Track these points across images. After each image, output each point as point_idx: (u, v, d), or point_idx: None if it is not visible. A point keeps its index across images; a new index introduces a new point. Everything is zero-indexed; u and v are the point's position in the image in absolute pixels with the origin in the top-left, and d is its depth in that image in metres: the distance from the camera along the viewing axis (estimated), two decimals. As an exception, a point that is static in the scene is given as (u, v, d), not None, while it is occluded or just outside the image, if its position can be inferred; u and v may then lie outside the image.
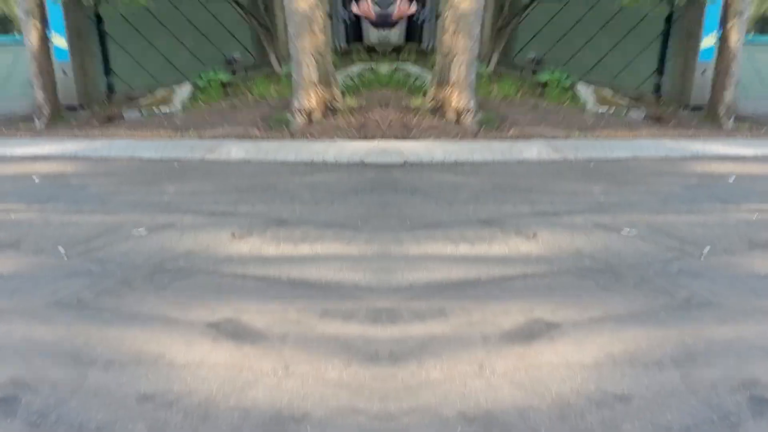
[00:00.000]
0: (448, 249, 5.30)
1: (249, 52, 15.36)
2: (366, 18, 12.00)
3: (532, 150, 8.79)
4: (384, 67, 11.67)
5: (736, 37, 12.28)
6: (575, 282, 4.81)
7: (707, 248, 5.65)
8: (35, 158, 9.35)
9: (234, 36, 15.33)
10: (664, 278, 4.94)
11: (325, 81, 10.41)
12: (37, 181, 7.87)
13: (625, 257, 5.32)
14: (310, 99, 10.21)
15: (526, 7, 13.37)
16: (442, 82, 9.65)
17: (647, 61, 14.81)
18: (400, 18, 11.38)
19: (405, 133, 8.86)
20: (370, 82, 11.66)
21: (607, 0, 12.89)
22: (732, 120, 12.41)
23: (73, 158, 9.33)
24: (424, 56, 13.04)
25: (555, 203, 6.75)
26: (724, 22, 12.45)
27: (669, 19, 13.76)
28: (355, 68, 12.06)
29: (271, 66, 14.27)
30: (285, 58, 12.63)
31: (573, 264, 5.11)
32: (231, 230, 5.79)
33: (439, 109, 9.66)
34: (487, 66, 13.41)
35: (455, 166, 8.03)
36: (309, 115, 10.28)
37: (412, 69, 11.79)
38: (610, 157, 9.16)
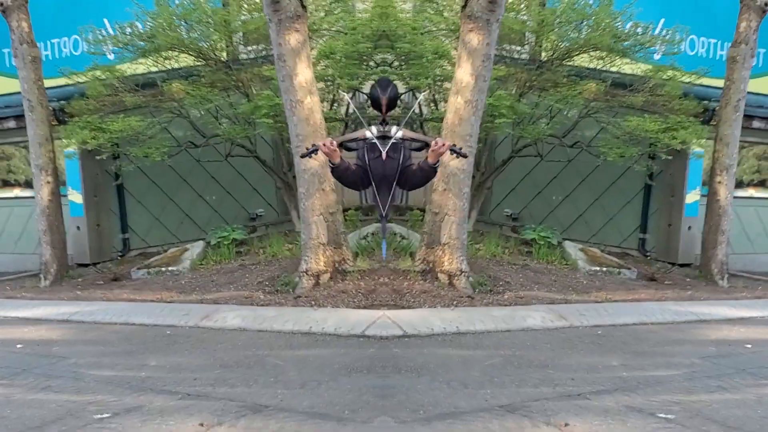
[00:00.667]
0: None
1: (273, 208, 15.17)
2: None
3: (536, 317, 8.36)
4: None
5: (725, 193, 12.36)
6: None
7: None
8: (27, 321, 9.15)
9: (258, 192, 15.10)
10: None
11: (335, 242, 10.03)
12: (18, 347, 7.40)
13: None
14: (318, 261, 9.83)
15: (505, 162, 13.07)
16: (432, 242, 9.20)
17: (629, 216, 14.88)
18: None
19: (397, 299, 8.22)
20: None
21: (585, 154, 12.74)
22: (726, 278, 12.31)
23: (64, 322, 9.09)
24: (400, 212, 12.65)
25: (577, 381, 6.15)
26: (711, 176, 12.53)
27: (651, 175, 13.70)
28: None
29: (293, 223, 13.86)
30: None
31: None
32: (200, 419, 5.06)
33: (429, 272, 9.10)
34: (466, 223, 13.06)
35: (458, 338, 7.52)
36: (317, 277, 9.83)
37: (396, 228, 11.35)
38: (617, 323, 8.84)
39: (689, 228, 13.79)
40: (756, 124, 13.29)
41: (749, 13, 12.02)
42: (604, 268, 11.79)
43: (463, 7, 9.07)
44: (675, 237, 13.90)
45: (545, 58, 12.50)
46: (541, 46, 12.59)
